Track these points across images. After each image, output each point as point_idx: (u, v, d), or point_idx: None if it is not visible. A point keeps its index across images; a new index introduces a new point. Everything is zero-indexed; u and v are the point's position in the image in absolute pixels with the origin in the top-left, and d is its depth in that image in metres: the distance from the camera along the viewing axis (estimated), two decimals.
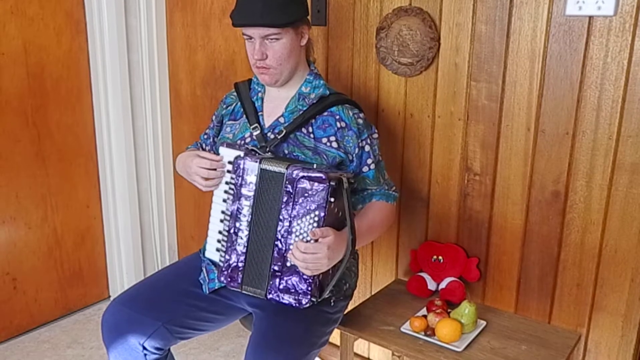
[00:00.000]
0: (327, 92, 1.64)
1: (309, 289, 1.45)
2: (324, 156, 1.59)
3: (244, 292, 1.53)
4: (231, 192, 1.52)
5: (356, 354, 2.18)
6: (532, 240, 1.76)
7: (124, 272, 2.82)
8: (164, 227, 2.90)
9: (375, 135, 1.67)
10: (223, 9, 2.40)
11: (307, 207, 1.42)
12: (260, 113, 1.67)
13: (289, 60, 1.57)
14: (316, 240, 1.41)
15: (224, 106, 1.77)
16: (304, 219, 1.43)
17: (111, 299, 2.81)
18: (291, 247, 1.44)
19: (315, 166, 1.47)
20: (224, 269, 1.54)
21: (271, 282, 1.48)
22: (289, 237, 1.45)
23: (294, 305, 1.47)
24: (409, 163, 1.96)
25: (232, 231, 1.52)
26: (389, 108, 1.96)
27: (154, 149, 2.78)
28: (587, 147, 1.60)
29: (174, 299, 1.64)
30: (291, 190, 1.44)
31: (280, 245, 1.46)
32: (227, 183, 1.57)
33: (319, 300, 1.50)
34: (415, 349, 1.62)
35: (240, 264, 1.51)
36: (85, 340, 2.53)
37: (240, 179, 1.50)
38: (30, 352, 2.44)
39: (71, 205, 2.63)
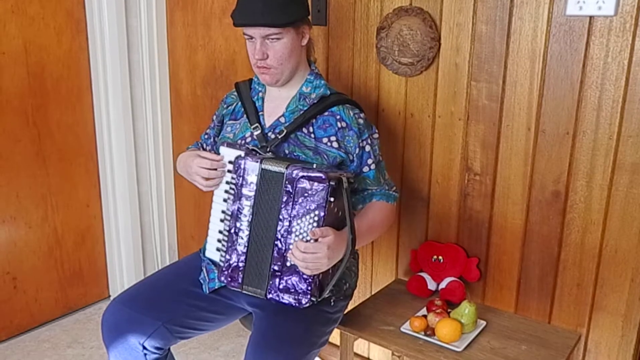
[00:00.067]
0: (328, 92, 1.64)
1: (309, 288, 1.45)
2: (325, 156, 1.59)
3: (244, 292, 1.53)
4: (232, 192, 1.52)
5: (356, 354, 2.18)
6: (533, 240, 1.76)
7: (124, 272, 2.82)
8: (164, 227, 2.90)
9: (376, 136, 1.67)
10: (223, 9, 2.40)
11: (307, 207, 1.42)
12: (260, 113, 1.67)
13: (290, 60, 1.57)
14: (316, 240, 1.41)
15: (225, 106, 1.77)
16: (303, 219, 1.43)
17: (111, 298, 2.81)
18: (291, 246, 1.44)
19: (315, 166, 1.47)
20: (224, 269, 1.54)
21: (271, 282, 1.48)
22: (289, 236, 1.45)
23: (293, 305, 1.47)
24: (410, 163, 1.96)
25: (232, 231, 1.52)
26: (389, 108, 1.96)
27: (154, 148, 2.78)
28: (588, 147, 1.60)
29: (174, 298, 1.64)
30: (291, 190, 1.44)
31: (280, 245, 1.46)
32: (227, 183, 1.57)
33: (319, 300, 1.50)
34: (415, 349, 1.62)
35: (240, 264, 1.51)
36: (86, 339, 2.53)
37: (241, 178, 1.50)
38: (30, 351, 2.44)
39: (71, 205, 2.63)
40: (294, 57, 1.58)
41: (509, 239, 1.80)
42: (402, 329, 1.70)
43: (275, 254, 1.47)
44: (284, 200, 1.45)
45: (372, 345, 2.20)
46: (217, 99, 2.51)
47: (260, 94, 1.69)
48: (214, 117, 1.81)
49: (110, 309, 1.62)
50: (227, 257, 1.53)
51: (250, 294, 1.53)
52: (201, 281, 1.68)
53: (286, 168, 1.44)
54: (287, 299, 1.47)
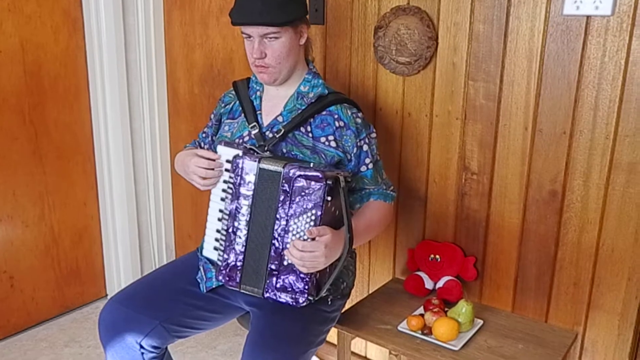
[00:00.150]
0: (326, 92, 1.64)
1: (306, 287, 1.45)
2: (323, 155, 1.59)
3: (242, 291, 1.53)
4: (230, 191, 1.52)
5: (353, 353, 2.19)
6: (529, 239, 1.76)
7: (121, 271, 2.82)
8: (161, 226, 2.90)
9: (374, 135, 1.68)
10: (221, 8, 2.40)
11: (304, 206, 1.42)
12: (258, 112, 1.67)
13: (288, 59, 1.57)
14: (313, 239, 1.41)
15: (223, 105, 1.77)
16: (300, 218, 1.43)
17: (108, 297, 2.81)
18: (288, 245, 1.44)
19: (312, 165, 1.47)
20: (222, 268, 1.53)
21: (268, 281, 1.48)
22: (286, 236, 1.45)
23: (291, 303, 1.47)
24: (407, 162, 1.96)
25: (230, 230, 1.52)
26: (386, 107, 1.96)
27: (151, 147, 2.77)
28: (585, 146, 1.61)
29: (172, 297, 1.64)
30: (288, 189, 1.44)
31: (277, 244, 1.46)
32: (225, 182, 1.56)
33: (316, 299, 1.50)
34: (413, 348, 1.62)
35: (238, 263, 1.51)
36: (83, 338, 2.53)
37: (239, 178, 1.50)
38: (27, 350, 2.44)
39: (68, 204, 2.62)
40: (292, 56, 1.58)
41: (506, 238, 1.81)
42: (399, 328, 1.70)
43: (273, 253, 1.47)
44: (281, 199, 1.45)
45: (370, 344, 2.20)
46: (214, 98, 2.51)
47: (258, 93, 1.69)
48: (212, 116, 1.81)
49: (108, 308, 1.62)
50: (225, 256, 1.53)
51: (247, 293, 1.53)
52: (198, 280, 1.68)
53: (283, 167, 1.44)
54: (284, 298, 1.47)
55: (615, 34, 1.50)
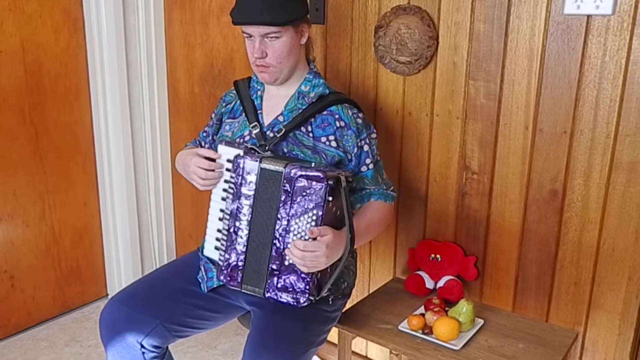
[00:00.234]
0: (327, 91, 1.64)
1: (307, 287, 1.45)
2: (323, 155, 1.59)
3: (243, 290, 1.53)
4: (231, 190, 1.52)
5: (354, 353, 2.19)
6: (530, 238, 1.76)
7: (121, 271, 2.82)
8: (161, 226, 2.90)
9: (374, 135, 1.68)
10: (221, 7, 2.40)
11: (305, 206, 1.42)
12: (259, 111, 1.67)
13: (289, 59, 1.57)
14: (315, 239, 1.41)
15: (224, 104, 1.77)
16: (302, 218, 1.43)
17: (109, 297, 2.81)
18: (289, 245, 1.44)
19: (313, 165, 1.47)
20: (223, 268, 1.53)
21: (269, 281, 1.48)
22: (287, 236, 1.45)
23: (292, 303, 1.47)
24: (407, 162, 1.96)
25: (231, 230, 1.52)
26: (387, 106, 1.96)
27: (151, 147, 2.77)
28: (585, 146, 1.61)
29: (172, 297, 1.64)
30: (289, 189, 1.44)
31: (278, 244, 1.46)
32: (226, 182, 1.56)
33: (317, 299, 1.50)
34: (413, 348, 1.62)
35: (240, 263, 1.51)
36: (83, 338, 2.53)
37: (240, 178, 1.50)
38: (28, 350, 2.44)
39: (69, 203, 2.62)
40: (293, 56, 1.58)
41: (507, 237, 1.81)
42: (399, 328, 1.70)
43: (274, 253, 1.47)
44: (282, 199, 1.44)
45: (370, 344, 2.20)
46: (215, 97, 2.51)
47: (259, 93, 1.69)
48: (213, 115, 1.81)
49: (108, 308, 1.62)
50: (227, 256, 1.53)
51: (249, 293, 1.53)
52: (199, 280, 1.68)
53: (284, 167, 1.44)
54: (285, 297, 1.47)
55: (616, 33, 1.50)
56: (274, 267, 1.47)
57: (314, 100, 1.62)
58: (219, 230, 1.59)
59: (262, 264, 1.49)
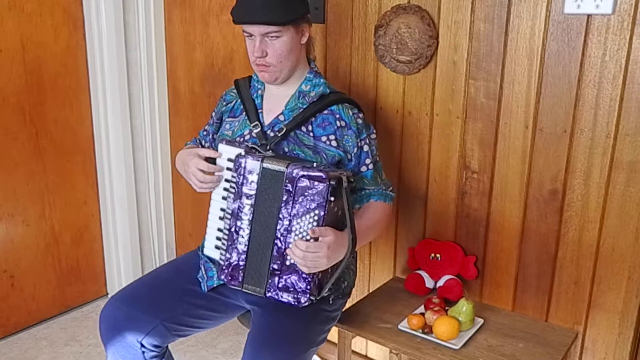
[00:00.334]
0: (328, 91, 1.64)
1: (308, 287, 1.45)
2: (324, 155, 1.59)
3: (244, 290, 1.53)
4: (232, 190, 1.52)
5: (354, 352, 2.19)
6: (530, 238, 1.76)
7: (121, 270, 2.82)
8: (161, 225, 2.90)
9: (374, 136, 1.68)
10: (221, 6, 2.40)
11: (307, 206, 1.42)
12: (260, 110, 1.67)
13: (289, 58, 1.57)
14: (316, 239, 1.41)
15: (224, 103, 1.77)
16: (303, 218, 1.43)
17: (109, 296, 2.82)
18: (290, 245, 1.44)
19: (315, 165, 1.46)
20: (224, 267, 1.53)
21: (270, 281, 1.48)
22: (289, 235, 1.45)
23: (292, 303, 1.47)
24: (407, 161, 1.96)
25: (233, 229, 1.51)
26: (387, 106, 1.96)
27: (151, 146, 2.77)
28: (585, 145, 1.61)
29: (172, 296, 1.64)
30: (291, 189, 1.43)
31: (279, 244, 1.46)
32: (227, 181, 1.56)
33: (318, 298, 1.50)
34: (413, 347, 1.62)
35: (241, 263, 1.51)
36: (83, 337, 2.53)
37: (241, 177, 1.50)
38: (28, 349, 2.44)
39: (69, 203, 2.62)
40: (294, 55, 1.58)
41: (507, 237, 1.81)
42: (399, 327, 1.70)
43: (275, 253, 1.47)
44: (284, 199, 1.44)
45: (370, 343, 2.20)
46: (215, 97, 2.51)
47: (260, 92, 1.69)
48: (213, 114, 1.81)
49: (108, 307, 1.62)
50: (228, 255, 1.53)
51: (249, 292, 1.53)
52: (199, 279, 1.68)
53: (286, 167, 1.44)
54: (286, 297, 1.47)
55: (616, 33, 1.50)
56: (275, 266, 1.47)
57: (314, 99, 1.62)
58: (219, 230, 1.59)
59: (264, 264, 1.49)
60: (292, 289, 1.46)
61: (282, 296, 1.47)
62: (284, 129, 1.58)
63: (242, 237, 1.50)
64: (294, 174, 1.43)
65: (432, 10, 1.78)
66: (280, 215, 1.45)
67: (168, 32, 2.64)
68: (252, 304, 1.63)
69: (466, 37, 1.74)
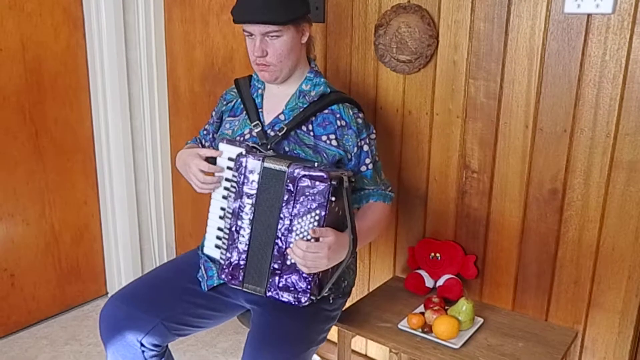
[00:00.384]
0: (328, 90, 1.64)
1: (309, 287, 1.45)
2: (324, 154, 1.59)
3: (244, 289, 1.53)
4: (232, 189, 1.52)
5: (354, 351, 2.19)
6: (530, 237, 1.76)
7: (121, 269, 2.82)
8: (161, 224, 2.90)
9: (373, 136, 1.68)
10: (221, 5, 2.39)
11: (308, 206, 1.42)
12: (260, 110, 1.67)
13: (289, 58, 1.57)
14: (317, 240, 1.41)
15: (224, 102, 1.77)
16: (304, 218, 1.43)
17: (109, 295, 2.82)
18: (291, 245, 1.44)
19: (316, 165, 1.46)
20: (225, 267, 1.53)
21: (271, 280, 1.48)
22: (289, 235, 1.45)
23: (293, 303, 1.47)
24: (407, 160, 1.96)
25: (233, 229, 1.51)
26: (387, 105, 1.96)
27: (151, 145, 2.77)
28: (585, 145, 1.61)
29: (172, 296, 1.64)
30: (292, 189, 1.43)
31: (280, 244, 1.46)
32: (227, 180, 1.56)
33: (318, 298, 1.50)
34: (413, 346, 1.62)
35: (242, 262, 1.51)
36: (83, 336, 2.53)
37: (242, 176, 1.49)
38: (28, 348, 2.44)
39: (69, 202, 2.62)
40: (294, 55, 1.58)
41: (507, 236, 1.81)
42: (399, 326, 1.70)
43: (276, 253, 1.47)
44: (285, 198, 1.44)
45: (370, 342, 2.20)
46: (215, 96, 2.51)
47: (260, 91, 1.69)
48: (213, 113, 1.81)
49: (108, 306, 1.62)
50: (228, 254, 1.53)
51: (250, 291, 1.53)
52: (199, 278, 1.68)
53: (288, 167, 1.44)
54: (286, 297, 1.47)
55: (616, 32, 1.50)
56: (276, 266, 1.47)
57: (315, 99, 1.62)
58: (220, 229, 1.59)
59: (264, 263, 1.49)
60: (292, 289, 1.46)
61: (282, 296, 1.47)
62: (285, 128, 1.58)
63: (243, 236, 1.50)
64: (295, 174, 1.43)
65: (432, 10, 1.78)
66: (281, 215, 1.45)
67: (168, 31, 2.64)
68: (252, 303, 1.63)
69: (466, 36, 1.74)
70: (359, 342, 2.22)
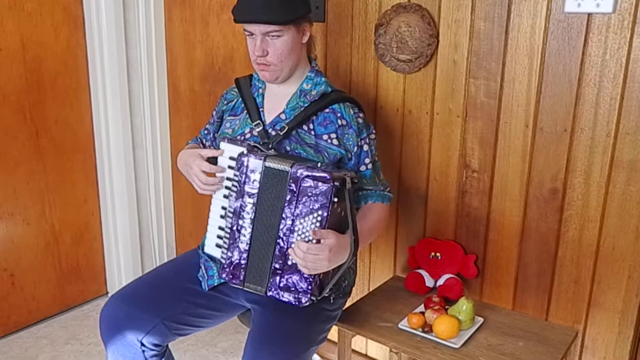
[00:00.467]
0: (329, 89, 1.64)
1: (309, 287, 1.45)
2: (325, 153, 1.59)
3: (245, 289, 1.53)
4: (234, 188, 1.52)
5: (354, 351, 2.19)
6: (530, 237, 1.76)
7: (121, 269, 2.82)
8: (162, 224, 2.90)
9: (373, 136, 1.68)
10: (222, 5, 2.39)
11: (311, 207, 1.42)
12: (261, 109, 1.66)
13: (290, 57, 1.57)
14: (318, 241, 1.40)
15: (225, 102, 1.77)
16: (306, 219, 1.42)
17: (109, 295, 2.82)
18: (293, 245, 1.44)
19: (319, 165, 1.46)
20: (225, 266, 1.53)
21: (272, 280, 1.48)
22: (291, 235, 1.45)
23: (293, 303, 1.47)
24: (408, 160, 1.96)
25: (234, 228, 1.51)
26: (387, 105, 1.96)
27: (152, 145, 2.77)
28: (585, 144, 1.61)
29: (173, 295, 1.64)
30: (295, 189, 1.43)
31: (282, 244, 1.46)
32: (229, 179, 1.56)
33: (319, 299, 1.50)
34: (413, 346, 1.62)
35: (242, 261, 1.51)
36: (83, 336, 2.53)
37: (243, 176, 1.49)
38: (28, 347, 2.44)
39: (69, 202, 2.62)
40: (294, 55, 1.58)
41: (507, 236, 1.81)
42: (399, 326, 1.70)
43: (277, 252, 1.47)
44: (288, 199, 1.44)
45: (370, 342, 2.20)
46: (215, 95, 2.51)
47: (261, 91, 1.69)
48: (214, 113, 1.81)
49: (109, 306, 1.62)
50: (229, 254, 1.53)
51: (250, 291, 1.53)
52: (200, 278, 1.68)
53: (291, 167, 1.44)
54: (287, 297, 1.47)
55: (617, 32, 1.50)
56: (277, 266, 1.47)
57: (316, 98, 1.62)
58: (220, 228, 1.59)
59: (265, 263, 1.49)
60: (293, 289, 1.46)
61: (283, 295, 1.47)
62: (286, 128, 1.58)
63: (244, 235, 1.50)
64: (298, 174, 1.43)
65: (432, 9, 1.78)
66: (283, 215, 1.45)
67: (168, 30, 2.64)
68: (252, 303, 1.63)
69: (466, 36, 1.74)
70: (359, 342, 2.22)
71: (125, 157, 2.68)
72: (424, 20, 1.78)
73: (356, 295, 2.10)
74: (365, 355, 2.24)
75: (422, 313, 1.71)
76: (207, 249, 1.64)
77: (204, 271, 1.67)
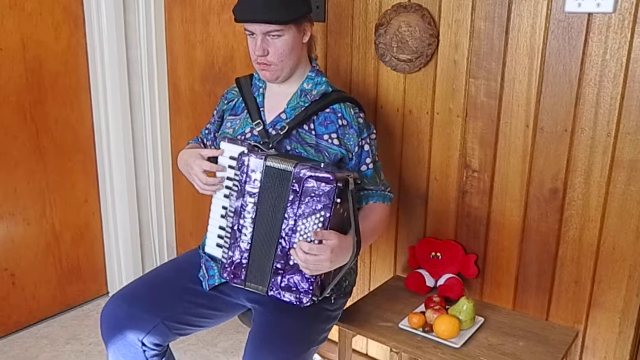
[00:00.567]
0: (330, 89, 1.64)
1: (311, 288, 1.45)
2: (326, 153, 1.59)
3: (246, 288, 1.53)
4: (235, 188, 1.52)
5: (354, 351, 2.19)
6: (530, 237, 1.76)
7: (122, 269, 2.82)
8: (162, 224, 2.90)
9: (374, 136, 1.68)
10: (222, 5, 2.39)
11: (313, 207, 1.42)
12: (261, 109, 1.66)
13: (291, 57, 1.57)
14: (320, 242, 1.40)
15: (225, 101, 1.77)
16: (309, 219, 1.42)
17: (109, 295, 2.82)
18: (295, 245, 1.44)
19: (322, 165, 1.46)
20: (227, 265, 1.53)
21: (273, 280, 1.48)
22: (293, 235, 1.45)
23: (294, 303, 1.47)
24: (408, 160, 1.96)
25: (235, 227, 1.51)
26: (387, 104, 1.96)
27: (152, 144, 2.77)
28: (586, 144, 1.61)
29: (173, 295, 1.64)
30: (297, 189, 1.43)
31: (283, 244, 1.46)
32: (229, 179, 1.56)
33: (320, 299, 1.50)
34: (413, 345, 1.62)
35: (244, 261, 1.51)
36: (84, 336, 2.53)
37: (244, 175, 1.49)
38: (29, 347, 2.44)
39: (69, 201, 2.62)
40: (295, 54, 1.58)
41: (507, 235, 1.81)
42: (400, 326, 1.70)
43: (279, 252, 1.47)
44: (290, 199, 1.44)
45: (371, 342, 2.20)
46: (215, 95, 2.51)
47: (261, 90, 1.69)
48: (215, 112, 1.81)
49: (109, 306, 1.62)
50: (230, 253, 1.53)
51: (252, 290, 1.53)
52: (200, 278, 1.68)
53: (294, 167, 1.44)
54: (288, 297, 1.47)
55: (617, 31, 1.50)
56: (279, 266, 1.47)
57: (316, 97, 1.62)
58: (221, 228, 1.59)
59: (267, 262, 1.49)
60: (294, 289, 1.46)
61: (284, 295, 1.47)
62: (286, 127, 1.58)
63: (245, 235, 1.50)
64: (301, 174, 1.43)
65: (432, 9, 1.78)
66: (286, 215, 1.45)
67: (168, 30, 2.64)
68: (253, 303, 1.63)
69: (467, 35, 1.74)
70: (359, 342, 2.22)
71: (125, 156, 2.68)
72: (424, 20, 1.78)
73: (357, 295, 2.10)
74: (366, 355, 2.24)
75: (423, 313, 1.71)
76: (207, 249, 1.64)
77: (205, 271, 1.67)
